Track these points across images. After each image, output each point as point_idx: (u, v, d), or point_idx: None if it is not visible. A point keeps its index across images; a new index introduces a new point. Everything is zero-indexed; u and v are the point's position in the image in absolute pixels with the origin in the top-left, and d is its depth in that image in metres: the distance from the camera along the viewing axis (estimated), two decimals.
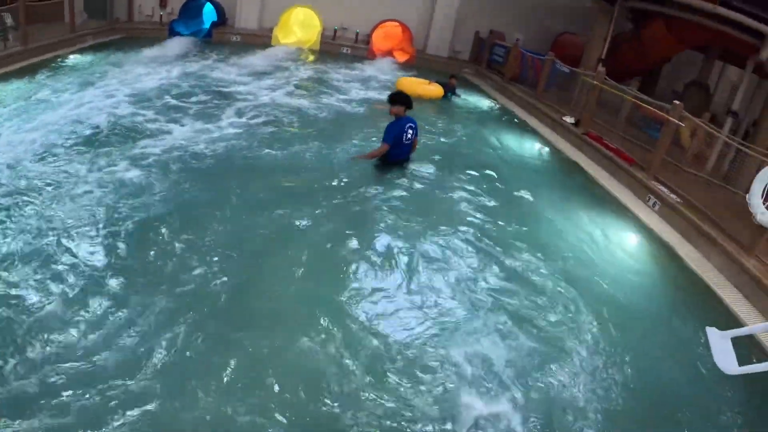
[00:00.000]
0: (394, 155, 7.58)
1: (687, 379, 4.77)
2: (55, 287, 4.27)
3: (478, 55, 19.86)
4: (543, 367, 4.36)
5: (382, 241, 5.84)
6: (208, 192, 6.38)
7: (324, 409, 3.58)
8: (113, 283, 4.45)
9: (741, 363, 3.96)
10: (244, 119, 9.37)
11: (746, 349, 4.96)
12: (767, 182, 6.96)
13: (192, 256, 5.00)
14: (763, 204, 6.96)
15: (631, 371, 4.57)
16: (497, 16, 20.02)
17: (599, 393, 4.23)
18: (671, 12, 12.79)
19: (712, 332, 4.26)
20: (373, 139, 8.74)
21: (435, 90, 14.01)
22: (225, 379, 3.67)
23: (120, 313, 4.10)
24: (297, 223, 5.93)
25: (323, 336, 4.22)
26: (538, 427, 3.80)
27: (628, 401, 4.24)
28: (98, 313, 4.08)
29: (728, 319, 5.99)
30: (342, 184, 7.10)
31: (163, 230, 5.37)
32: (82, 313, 4.07)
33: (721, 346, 4.13)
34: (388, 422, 3.56)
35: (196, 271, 4.79)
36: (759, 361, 3.90)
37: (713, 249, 7.44)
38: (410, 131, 7.51)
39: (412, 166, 8.08)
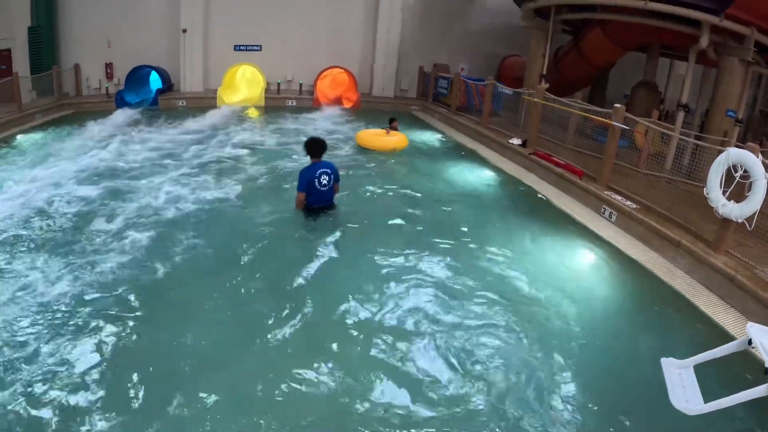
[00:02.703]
0: (313, 202, 7.18)
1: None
2: None
3: (424, 90, 19.48)
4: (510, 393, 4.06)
5: (321, 299, 5.30)
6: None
7: None
8: None
9: (708, 397, 3.17)
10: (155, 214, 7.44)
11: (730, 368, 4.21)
12: (723, 173, 6.35)
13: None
14: (724, 195, 6.33)
15: (607, 398, 4.08)
16: (440, 48, 19.81)
17: (572, 410, 3.91)
18: (604, 17, 12.49)
19: (667, 364, 3.41)
20: None
21: (397, 141, 11.93)
22: None
23: None
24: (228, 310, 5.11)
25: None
26: None
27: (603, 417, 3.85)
28: None
29: (706, 326, 5.47)
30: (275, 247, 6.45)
31: None
32: None
33: (680, 379, 3.30)
34: None
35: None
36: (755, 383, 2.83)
37: (678, 252, 6.76)
38: (325, 176, 7.08)
39: (346, 210, 7.53)
